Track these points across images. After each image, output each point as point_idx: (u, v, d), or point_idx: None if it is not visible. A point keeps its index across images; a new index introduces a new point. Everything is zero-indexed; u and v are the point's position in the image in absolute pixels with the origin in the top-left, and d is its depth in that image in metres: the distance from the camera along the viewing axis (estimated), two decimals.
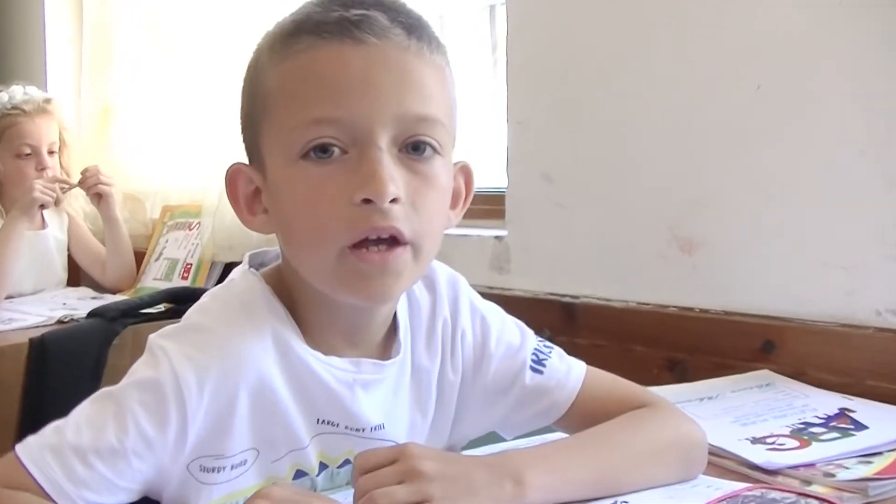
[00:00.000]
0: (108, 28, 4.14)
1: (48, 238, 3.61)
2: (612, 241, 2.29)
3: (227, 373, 1.18)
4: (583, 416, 1.37)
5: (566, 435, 1.40)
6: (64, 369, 1.72)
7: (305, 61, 1.17)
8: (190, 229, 3.54)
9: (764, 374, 1.91)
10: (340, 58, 1.15)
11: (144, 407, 1.14)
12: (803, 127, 1.95)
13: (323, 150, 1.15)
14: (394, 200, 1.14)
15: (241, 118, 1.29)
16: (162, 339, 1.19)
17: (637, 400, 1.39)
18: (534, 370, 1.39)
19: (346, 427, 1.26)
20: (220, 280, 3.28)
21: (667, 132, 2.17)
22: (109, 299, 3.42)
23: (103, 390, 1.18)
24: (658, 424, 1.33)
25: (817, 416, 1.65)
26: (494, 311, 1.43)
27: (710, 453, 1.37)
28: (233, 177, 1.28)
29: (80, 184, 3.52)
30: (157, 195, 3.84)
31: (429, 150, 1.19)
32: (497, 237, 2.53)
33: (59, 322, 2.96)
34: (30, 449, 1.14)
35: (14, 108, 3.52)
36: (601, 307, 2.28)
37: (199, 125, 3.62)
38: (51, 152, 3.55)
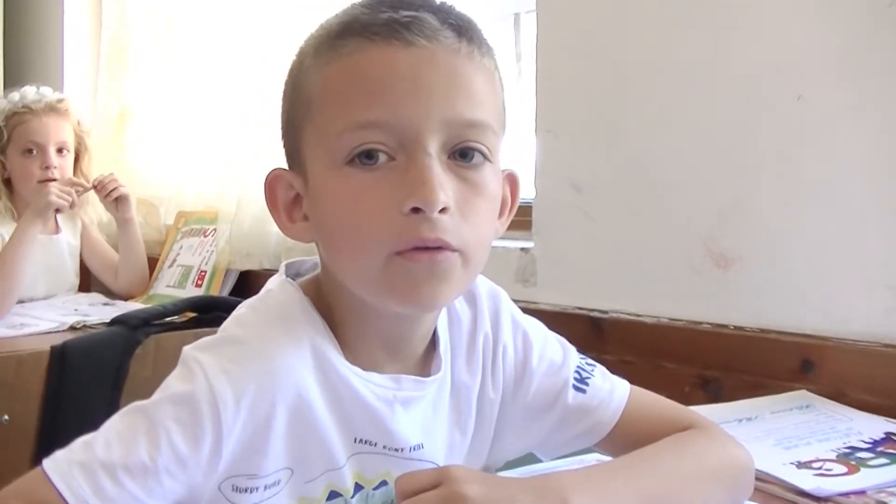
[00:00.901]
0: (125, 32, 4.15)
1: (62, 243, 3.58)
2: (643, 254, 2.24)
3: (265, 388, 1.12)
4: (626, 437, 1.32)
5: (605, 457, 1.36)
6: (85, 378, 1.68)
7: (352, 63, 1.12)
8: (205, 236, 3.50)
9: (802, 395, 1.85)
10: (389, 59, 1.11)
11: (178, 423, 1.08)
12: (844, 139, 1.90)
13: (369, 156, 1.11)
14: (443, 210, 1.09)
15: (282, 123, 1.24)
16: (197, 351, 1.14)
17: (683, 421, 1.34)
18: (576, 389, 1.34)
19: (385, 447, 1.21)
20: (235, 288, 3.28)
21: (701, 143, 2.13)
22: (121, 305, 3.41)
23: (135, 404, 1.12)
24: (706, 448, 1.28)
25: (863, 441, 1.59)
26: (536, 327, 1.38)
27: (756, 478, 1.32)
28: (272, 182, 1.22)
29: (98, 191, 3.50)
30: (172, 200, 3.81)
31: (478, 157, 1.14)
32: (523, 249, 2.48)
33: (72, 328, 2.93)
34: (57, 464, 1.07)
35: (24, 106, 3.51)
36: (631, 322, 2.23)
37: (215, 131, 3.60)
38: (60, 151, 3.52)
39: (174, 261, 3.57)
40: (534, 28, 2.54)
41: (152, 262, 3.64)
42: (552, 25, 2.45)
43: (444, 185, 1.09)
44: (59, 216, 3.51)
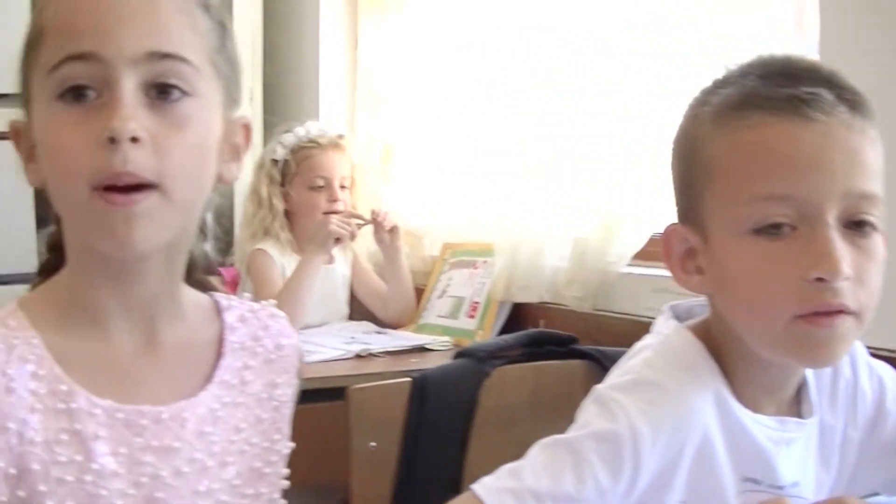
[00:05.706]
0: (381, 69, 4.24)
1: (336, 273, 3.73)
2: None
3: (678, 429, 1.24)
4: None
5: None
6: (442, 408, 1.80)
7: (756, 137, 1.23)
8: (475, 268, 3.61)
9: None
10: (792, 135, 1.21)
11: (601, 458, 1.20)
12: None
13: (775, 226, 1.21)
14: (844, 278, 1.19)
15: (675, 179, 1.36)
16: (615, 392, 1.26)
17: None
18: None
19: (770, 485, 1.31)
20: (510, 320, 3.36)
21: None
22: (393, 333, 3.52)
23: (555, 438, 1.24)
24: None
25: None
26: (888, 371, 1.46)
27: None
28: (669, 235, 1.34)
29: (375, 222, 3.64)
30: (435, 233, 3.91)
31: (869, 227, 1.23)
32: None
33: (358, 356, 3.08)
34: (489, 490, 1.20)
35: (311, 141, 3.66)
36: None
37: (478, 166, 3.71)
38: (342, 187, 3.66)
39: (444, 291, 3.68)
40: None
41: (418, 292, 3.76)
42: None
43: (844, 256, 1.20)
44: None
